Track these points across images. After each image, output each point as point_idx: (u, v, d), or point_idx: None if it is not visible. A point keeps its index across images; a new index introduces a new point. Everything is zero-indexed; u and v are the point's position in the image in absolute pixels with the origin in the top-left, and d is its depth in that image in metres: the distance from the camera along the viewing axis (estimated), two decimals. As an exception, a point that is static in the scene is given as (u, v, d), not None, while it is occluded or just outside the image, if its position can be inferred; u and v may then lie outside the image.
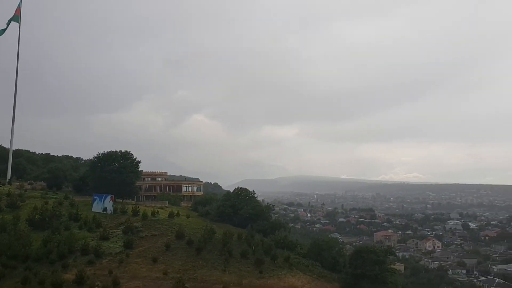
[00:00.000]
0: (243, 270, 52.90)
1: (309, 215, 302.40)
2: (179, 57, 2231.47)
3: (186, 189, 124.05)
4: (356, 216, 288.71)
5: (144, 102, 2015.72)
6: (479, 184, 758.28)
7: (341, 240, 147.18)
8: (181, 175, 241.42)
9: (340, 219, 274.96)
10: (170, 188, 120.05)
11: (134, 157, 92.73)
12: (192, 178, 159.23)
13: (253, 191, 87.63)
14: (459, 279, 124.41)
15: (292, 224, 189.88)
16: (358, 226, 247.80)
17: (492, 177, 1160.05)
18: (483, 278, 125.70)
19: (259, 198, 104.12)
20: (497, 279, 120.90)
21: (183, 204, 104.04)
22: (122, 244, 59.06)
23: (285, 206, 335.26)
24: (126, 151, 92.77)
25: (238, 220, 76.68)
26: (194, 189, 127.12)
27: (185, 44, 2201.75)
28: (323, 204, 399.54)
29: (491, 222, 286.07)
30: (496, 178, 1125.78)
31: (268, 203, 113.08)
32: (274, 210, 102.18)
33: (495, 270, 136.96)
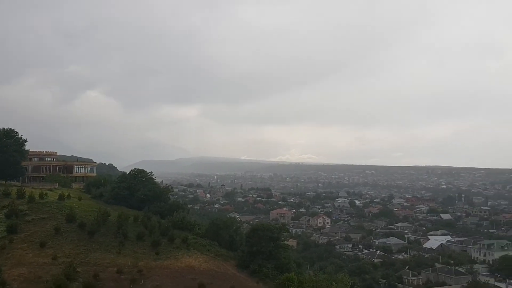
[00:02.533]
0: (139, 252, 51.79)
1: (208, 195, 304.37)
2: (73, 30, 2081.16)
3: (78, 170, 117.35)
4: (254, 196, 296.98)
5: (30, 76, 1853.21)
6: (365, 165, 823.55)
7: (239, 219, 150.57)
8: (72, 155, 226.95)
9: (239, 199, 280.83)
10: (60, 169, 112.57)
11: (20, 135, 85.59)
12: (84, 158, 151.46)
13: (151, 172, 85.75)
14: (345, 252, 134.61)
15: (191, 205, 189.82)
16: (255, 205, 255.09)
17: (376, 158, 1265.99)
18: (366, 251, 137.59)
19: (158, 180, 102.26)
20: (378, 251, 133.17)
21: (74, 186, 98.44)
22: (5, 228, 54.33)
23: (185, 187, 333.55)
24: (10, 128, 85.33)
25: (134, 202, 74.68)
26: (87, 170, 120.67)
27: (80, 17, 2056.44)
28: (222, 185, 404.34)
29: (375, 200, 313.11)
30: (379, 160, 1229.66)
31: (166, 184, 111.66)
32: (172, 191, 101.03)
33: (376, 243, 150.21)
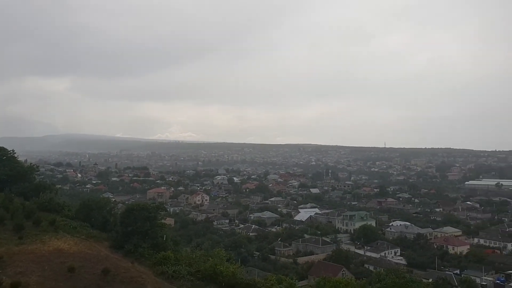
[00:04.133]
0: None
1: (79, 175, 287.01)
2: None
3: None
4: (130, 175, 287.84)
5: None
6: (243, 143, 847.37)
7: (113, 199, 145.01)
8: None
9: (114, 179, 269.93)
10: None
11: None
12: None
13: (13, 150, 78.03)
14: (223, 228, 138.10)
15: (60, 186, 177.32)
16: (131, 184, 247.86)
17: (254, 137, 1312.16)
18: (242, 225, 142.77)
19: (21, 158, 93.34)
20: (253, 225, 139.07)
21: None
22: None
23: (52, 166, 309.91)
24: None
25: (-8, 183, 67.35)
26: None
27: None
28: (95, 164, 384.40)
29: (252, 176, 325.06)
30: (257, 138, 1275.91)
31: (31, 163, 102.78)
32: (38, 171, 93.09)
33: (252, 218, 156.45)
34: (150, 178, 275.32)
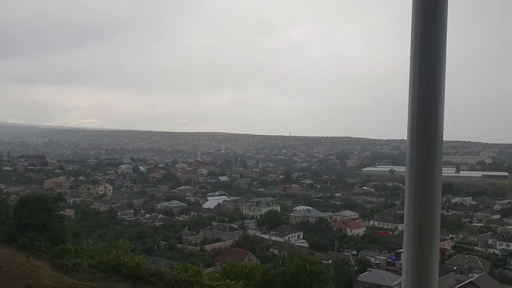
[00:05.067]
0: None
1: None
2: None
3: None
4: (25, 164, 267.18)
5: None
6: (150, 131, 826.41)
7: (6, 190, 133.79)
8: None
9: (6, 168, 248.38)
10: None
11: None
12: None
13: None
14: (127, 218, 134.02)
15: None
16: (26, 174, 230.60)
17: (162, 124, 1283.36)
18: (148, 215, 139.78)
19: None
20: (160, 215, 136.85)
21: None
22: None
23: None
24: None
25: None
26: None
27: None
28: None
29: (159, 165, 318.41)
30: (165, 125, 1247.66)
31: None
32: None
33: (159, 207, 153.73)
34: (48, 168, 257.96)
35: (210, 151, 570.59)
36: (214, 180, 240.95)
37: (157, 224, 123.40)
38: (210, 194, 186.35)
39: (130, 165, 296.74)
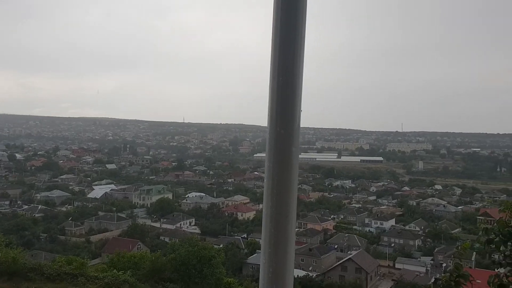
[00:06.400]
0: None
1: None
2: None
3: None
4: None
5: None
6: (29, 115, 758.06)
7: None
8: None
9: None
10: None
11: None
12: None
13: None
14: (2, 210, 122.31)
15: None
16: None
17: (42, 108, 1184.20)
18: (27, 206, 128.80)
19: None
20: (40, 206, 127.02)
21: None
22: None
23: None
24: None
25: None
26: None
27: None
28: None
29: (38, 152, 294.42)
30: (45, 110, 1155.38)
31: None
32: None
33: (38, 197, 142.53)
34: None
35: (96, 137, 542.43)
36: (100, 168, 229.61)
37: (36, 215, 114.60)
38: (96, 183, 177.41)
39: (5, 153, 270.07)
